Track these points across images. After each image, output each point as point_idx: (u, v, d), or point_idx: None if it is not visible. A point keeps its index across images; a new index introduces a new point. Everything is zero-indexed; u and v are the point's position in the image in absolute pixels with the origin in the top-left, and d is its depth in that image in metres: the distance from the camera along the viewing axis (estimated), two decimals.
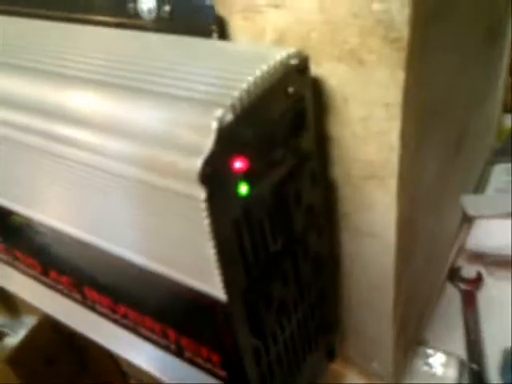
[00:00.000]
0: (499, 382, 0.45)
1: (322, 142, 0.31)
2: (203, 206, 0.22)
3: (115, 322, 0.37)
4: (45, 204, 0.32)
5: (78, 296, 0.38)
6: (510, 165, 0.60)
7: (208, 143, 0.21)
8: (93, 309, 0.38)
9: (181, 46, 0.27)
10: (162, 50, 0.27)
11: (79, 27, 0.32)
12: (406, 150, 0.29)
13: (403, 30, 0.24)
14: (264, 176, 0.25)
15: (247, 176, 0.24)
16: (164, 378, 0.41)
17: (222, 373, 0.32)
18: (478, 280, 0.54)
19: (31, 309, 0.96)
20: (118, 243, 0.29)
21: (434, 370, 0.47)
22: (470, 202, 0.53)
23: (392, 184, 0.31)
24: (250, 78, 0.22)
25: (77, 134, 0.25)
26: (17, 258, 0.41)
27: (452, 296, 0.53)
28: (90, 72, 0.26)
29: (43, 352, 0.95)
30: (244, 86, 0.22)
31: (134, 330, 0.36)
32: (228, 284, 0.25)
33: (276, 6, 0.27)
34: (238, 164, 0.23)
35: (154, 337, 0.35)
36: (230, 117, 0.22)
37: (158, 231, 0.26)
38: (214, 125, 0.21)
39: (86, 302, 0.38)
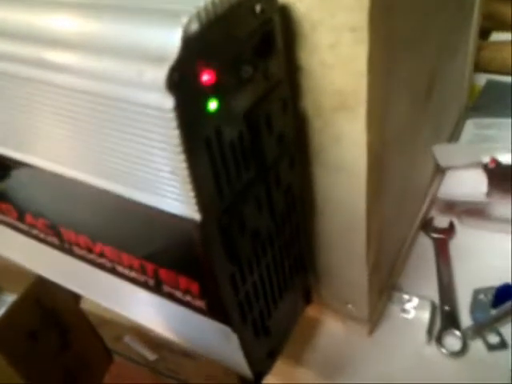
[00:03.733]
0: (470, 321, 0.47)
1: (292, 72, 0.31)
2: (171, 115, 0.22)
3: (93, 263, 0.37)
4: (14, 136, 0.32)
5: (54, 239, 0.38)
6: (480, 120, 0.62)
7: (174, 50, 0.21)
8: (70, 252, 0.38)
9: None
10: None
11: None
12: (374, 77, 0.30)
13: None
14: (233, 93, 0.26)
15: (215, 91, 0.24)
16: (143, 322, 0.42)
17: (201, 303, 0.33)
18: (450, 229, 0.55)
19: (13, 286, 0.96)
20: (88, 170, 0.29)
21: (407, 313, 0.49)
22: (442, 152, 0.55)
23: (361, 113, 0.31)
24: None
25: (38, 52, 0.25)
26: None
27: (425, 244, 0.55)
28: None
29: (25, 327, 0.95)
30: None
31: (112, 270, 0.37)
32: (202, 202, 0.26)
33: None
34: (206, 77, 0.23)
35: (132, 274, 0.35)
36: (196, 26, 0.22)
37: (129, 151, 0.26)
38: (180, 31, 0.21)
39: (63, 246, 0.38)
